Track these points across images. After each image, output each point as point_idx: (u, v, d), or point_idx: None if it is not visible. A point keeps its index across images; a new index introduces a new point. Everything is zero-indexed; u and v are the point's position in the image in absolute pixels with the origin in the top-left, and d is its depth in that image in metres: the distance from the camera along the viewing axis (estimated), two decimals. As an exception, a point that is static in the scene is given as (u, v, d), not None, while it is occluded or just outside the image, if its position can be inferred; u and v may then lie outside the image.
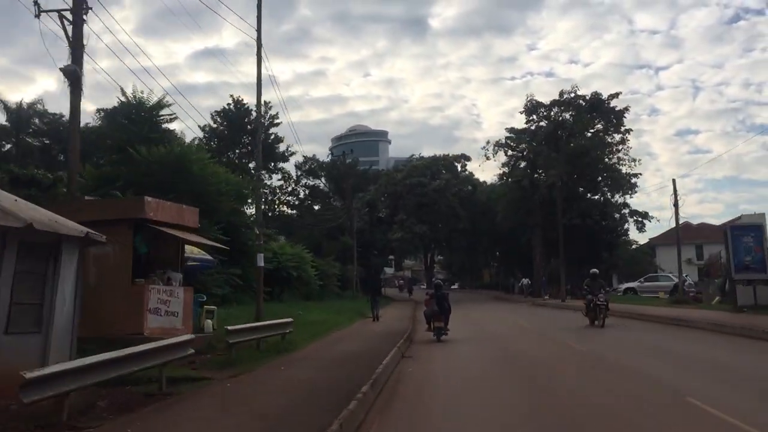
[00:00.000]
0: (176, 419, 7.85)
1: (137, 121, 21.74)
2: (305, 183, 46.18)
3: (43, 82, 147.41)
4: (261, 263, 18.66)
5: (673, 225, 72.27)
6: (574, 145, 51.40)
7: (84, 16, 13.41)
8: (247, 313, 20.14)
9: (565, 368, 12.48)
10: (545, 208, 52.52)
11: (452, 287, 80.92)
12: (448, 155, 61.55)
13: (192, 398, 9.23)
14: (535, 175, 53.76)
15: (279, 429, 7.21)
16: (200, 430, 7.36)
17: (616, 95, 54.47)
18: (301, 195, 46.19)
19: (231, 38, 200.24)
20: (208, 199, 20.39)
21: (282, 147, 45.66)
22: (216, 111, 42.15)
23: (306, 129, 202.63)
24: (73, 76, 13.42)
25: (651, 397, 9.15)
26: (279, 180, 45.51)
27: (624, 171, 53.31)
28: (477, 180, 60.67)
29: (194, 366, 11.69)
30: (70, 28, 13.34)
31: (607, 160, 52.15)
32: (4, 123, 37.86)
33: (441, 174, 59.38)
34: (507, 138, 55.33)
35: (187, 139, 27.93)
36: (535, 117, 55.61)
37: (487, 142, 55.06)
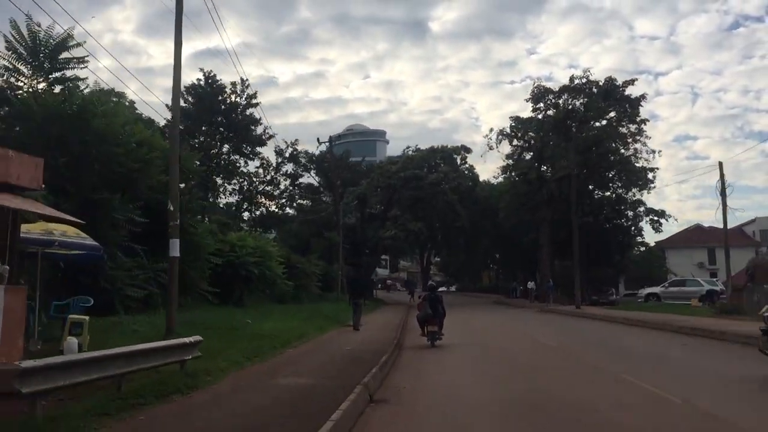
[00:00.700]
0: None
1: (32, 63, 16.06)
2: (286, 171, 40.67)
3: None
4: (175, 253, 13.04)
5: (685, 227, 66.15)
6: (585, 134, 45.79)
7: None
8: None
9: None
10: (554, 204, 46.94)
11: (439, 289, 75.04)
12: (446, 146, 55.88)
13: None
14: (543, 168, 48.16)
15: None
16: None
17: (631, 81, 49.01)
18: (282, 186, 40.58)
19: (231, 39, 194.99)
20: (117, 166, 14.77)
21: (270, 134, 40.12)
22: (186, 87, 36.75)
23: (306, 131, 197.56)
24: None
25: None
26: (257, 167, 40.06)
27: (639, 165, 47.79)
28: (477, 174, 55.13)
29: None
30: None
31: (623, 151, 46.45)
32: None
33: (439, 167, 53.74)
34: (512, 127, 49.67)
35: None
36: (542, 105, 50.07)
37: (490, 130, 49.53)
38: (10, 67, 15.77)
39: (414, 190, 52.94)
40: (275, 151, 40.46)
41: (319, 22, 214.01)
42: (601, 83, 48.04)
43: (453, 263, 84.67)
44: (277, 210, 40.14)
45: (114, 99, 18.28)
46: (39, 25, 15.58)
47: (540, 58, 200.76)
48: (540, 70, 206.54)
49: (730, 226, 34.73)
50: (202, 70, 36.42)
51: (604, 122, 47.72)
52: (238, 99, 38.15)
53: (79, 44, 16.34)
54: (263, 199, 39.46)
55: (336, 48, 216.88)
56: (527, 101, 50.48)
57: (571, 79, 48.46)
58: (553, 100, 49.71)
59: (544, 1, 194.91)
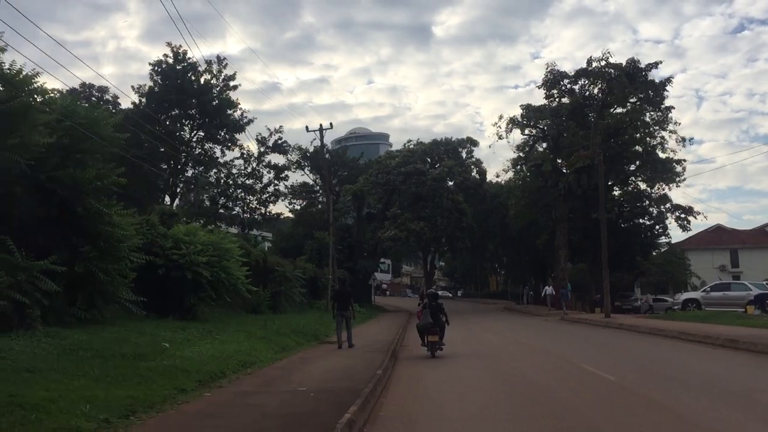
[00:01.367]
0: None
1: None
2: (269, 162, 35.32)
3: None
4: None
5: (704, 228, 60.31)
6: (610, 119, 40.34)
7: None
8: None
9: None
10: (571, 200, 41.49)
11: (442, 295, 69.46)
12: (450, 138, 50.57)
13: None
14: (558, 161, 42.71)
15: None
16: None
17: (655, 64, 43.57)
18: (266, 179, 35.20)
19: (235, 45, 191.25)
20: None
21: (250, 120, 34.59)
22: (151, 64, 31.47)
23: (309, 136, 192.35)
24: None
25: None
26: (238, 158, 34.72)
27: (664, 156, 42.32)
28: (485, 169, 49.59)
29: None
30: None
31: (649, 139, 40.94)
32: None
33: (442, 161, 48.32)
34: (523, 116, 44.19)
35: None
36: (556, 92, 44.70)
37: (500, 117, 44.06)
38: None
39: (415, 187, 47.58)
40: (257, 140, 35.32)
41: (323, 28, 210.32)
42: (623, 65, 42.63)
43: (459, 267, 79.25)
44: (260, 207, 34.71)
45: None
46: None
47: (544, 62, 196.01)
48: (543, 75, 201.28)
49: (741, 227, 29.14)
50: (169, 44, 31.15)
51: (626, 108, 42.22)
52: (213, 80, 32.86)
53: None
54: (243, 194, 34.06)
55: (340, 53, 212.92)
56: (539, 88, 45.18)
57: (589, 61, 43.06)
58: (568, 86, 44.37)
59: (548, 5, 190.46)
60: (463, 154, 49.54)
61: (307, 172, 58.38)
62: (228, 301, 19.42)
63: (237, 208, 34.21)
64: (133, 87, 31.65)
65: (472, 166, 49.00)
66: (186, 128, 31.99)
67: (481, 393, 10.20)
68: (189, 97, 31.41)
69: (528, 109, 44.64)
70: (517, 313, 42.71)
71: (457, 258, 75.57)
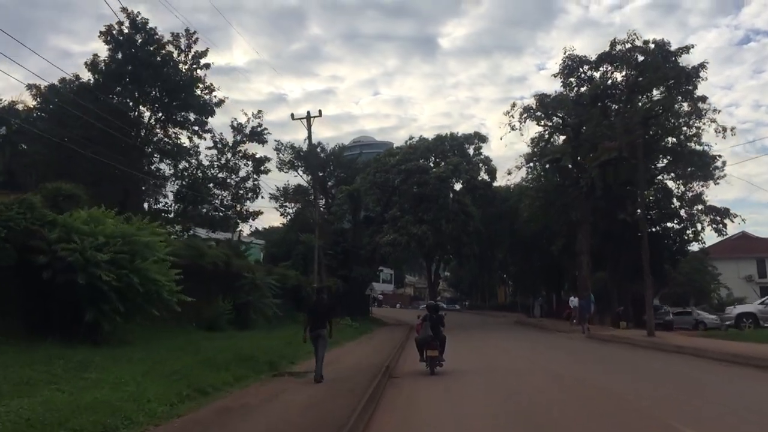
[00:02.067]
0: None
1: None
2: (245, 151, 29.79)
3: None
4: None
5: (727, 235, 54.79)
6: (639, 105, 34.90)
7: None
8: None
9: None
10: (594, 200, 35.99)
11: (445, 308, 63.36)
12: (456, 134, 45.18)
13: None
14: (578, 158, 37.21)
15: None
16: None
17: (686, 49, 38.07)
18: (244, 172, 29.69)
19: (241, 56, 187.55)
20: None
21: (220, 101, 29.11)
22: (103, 32, 26.13)
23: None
24: None
25: None
26: (211, 148, 29.26)
27: (700, 149, 36.84)
28: (495, 167, 44.07)
29: None
30: None
31: (685, 128, 35.45)
32: None
33: (447, 158, 42.92)
34: (538, 106, 38.74)
35: None
36: (574, 80, 39.32)
37: (513, 105, 38.58)
38: None
39: (417, 186, 42.26)
40: (231, 127, 30.00)
41: (330, 40, 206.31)
42: (651, 48, 37.25)
43: (465, 277, 73.58)
44: (235, 204, 29.23)
45: None
46: None
47: (550, 73, 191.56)
48: (551, 85, 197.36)
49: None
50: (125, 9, 25.83)
51: (658, 93, 36.78)
52: (181, 56, 27.60)
53: None
54: (215, 189, 28.63)
55: (346, 65, 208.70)
56: (555, 76, 39.72)
57: (612, 43, 37.65)
58: (588, 73, 39.00)
59: (554, 16, 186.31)
60: (471, 151, 44.16)
61: (301, 173, 53.36)
62: (157, 315, 13.98)
63: (207, 206, 28.73)
64: (86, 63, 26.17)
65: (481, 164, 43.59)
66: (146, 111, 26.60)
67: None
68: (147, 69, 26.05)
69: (543, 98, 39.22)
70: (532, 328, 37.11)
71: (463, 266, 69.89)
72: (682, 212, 40.63)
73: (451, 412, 9.57)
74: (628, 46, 37.46)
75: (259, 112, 30.26)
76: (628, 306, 38.16)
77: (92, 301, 11.99)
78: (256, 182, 30.36)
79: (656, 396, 10.55)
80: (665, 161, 38.36)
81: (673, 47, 37.46)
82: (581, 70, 38.98)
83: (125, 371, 9.71)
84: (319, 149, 50.59)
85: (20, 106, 27.52)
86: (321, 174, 53.02)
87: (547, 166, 38.98)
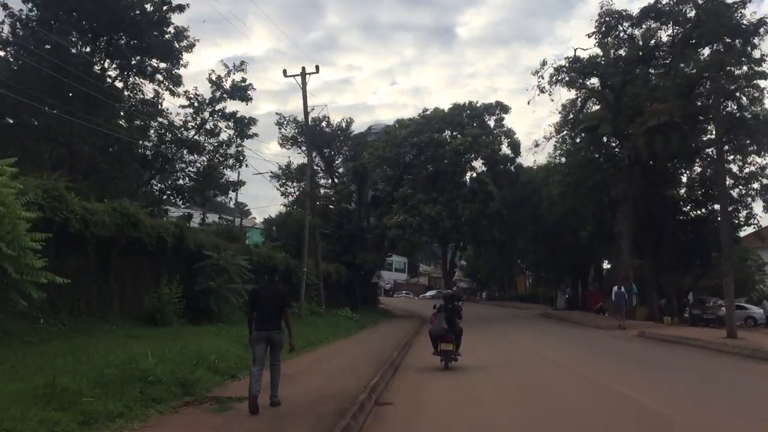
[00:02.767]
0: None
1: None
2: (223, 109, 24.65)
3: None
4: None
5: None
6: (693, 62, 29.33)
7: None
8: None
9: None
10: (636, 174, 30.56)
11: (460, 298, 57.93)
12: (475, 103, 39.68)
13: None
14: (619, 126, 31.60)
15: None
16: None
17: (742, 3, 32.20)
18: (225, 135, 24.64)
19: (261, 45, 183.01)
20: None
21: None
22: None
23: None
24: None
25: None
26: (184, 107, 24.16)
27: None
28: (518, 141, 38.53)
29: None
30: None
31: (750, 89, 29.77)
32: None
33: (465, 129, 37.53)
34: (569, 67, 33.12)
35: None
36: (611, 40, 33.71)
37: (543, 64, 32.94)
38: None
39: (431, 161, 37.03)
40: (209, 81, 24.81)
41: (347, 29, 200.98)
42: (700, 1, 31.51)
43: (483, 267, 68.04)
44: (211, 171, 24.11)
45: None
46: None
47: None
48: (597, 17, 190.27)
49: None
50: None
51: (707, 54, 31.11)
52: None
53: None
54: (187, 154, 23.57)
55: (363, 54, 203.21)
56: (590, 36, 34.04)
57: (658, -4, 31.96)
58: (628, 31, 33.39)
59: (573, 6, 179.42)
60: (491, 123, 38.71)
61: (305, 151, 48.31)
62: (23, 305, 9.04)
63: (177, 175, 23.69)
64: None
65: (503, 137, 38.13)
66: (83, 45, 21.43)
67: None
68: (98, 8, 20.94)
69: (575, 62, 33.63)
70: (561, 323, 31.81)
71: (481, 255, 64.60)
72: (734, 192, 35.14)
73: None
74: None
75: (242, 63, 25.00)
76: (672, 298, 32.78)
77: None
78: (240, 148, 25.29)
79: None
80: (713, 133, 32.64)
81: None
82: (620, 27, 33.38)
83: None
84: (324, 123, 45.64)
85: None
86: (327, 151, 48.09)
87: (581, 137, 33.45)
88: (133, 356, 8.54)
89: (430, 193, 36.65)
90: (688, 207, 37.63)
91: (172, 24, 22.14)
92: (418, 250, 58.23)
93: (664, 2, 32.17)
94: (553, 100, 34.26)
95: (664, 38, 33.16)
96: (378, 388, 9.75)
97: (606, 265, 55.71)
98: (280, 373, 8.15)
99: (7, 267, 7.99)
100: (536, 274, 61.53)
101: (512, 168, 38.38)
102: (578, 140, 34.62)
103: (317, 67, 27.35)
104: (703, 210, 37.03)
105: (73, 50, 20.57)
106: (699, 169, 34.82)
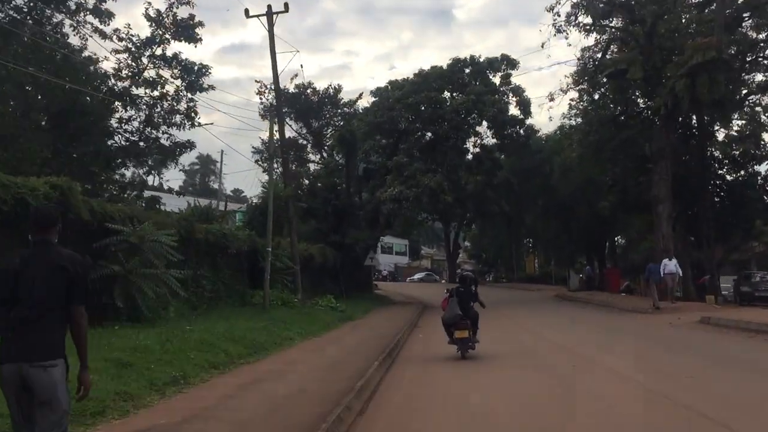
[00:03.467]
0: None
1: None
2: (164, 51, 19.61)
3: None
4: None
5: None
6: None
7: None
8: None
9: None
10: (673, 128, 25.30)
11: (475, 280, 52.17)
12: (477, 58, 34.13)
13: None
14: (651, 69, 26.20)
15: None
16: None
17: None
18: (169, 87, 19.51)
19: (256, 33, 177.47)
20: None
21: None
22: None
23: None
24: None
25: None
26: (119, 52, 19.01)
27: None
28: (528, 99, 33.06)
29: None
30: None
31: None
32: None
33: (466, 87, 32.21)
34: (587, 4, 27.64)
35: None
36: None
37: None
38: None
39: (429, 125, 31.86)
40: (146, 17, 19.53)
41: (344, 14, 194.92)
42: None
43: (489, 246, 62.77)
44: (150, 131, 18.92)
45: None
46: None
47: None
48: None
49: None
50: None
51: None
52: None
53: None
54: (121, 108, 18.41)
55: (361, 39, 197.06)
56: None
57: None
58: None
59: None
60: (497, 80, 33.35)
61: (290, 123, 43.09)
62: None
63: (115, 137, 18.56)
64: None
65: (510, 95, 32.74)
66: None
67: None
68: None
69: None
70: (586, 307, 26.72)
71: (486, 233, 59.45)
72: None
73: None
74: None
75: (189, -6, 19.68)
76: (716, 274, 27.62)
77: None
78: (191, 103, 20.14)
79: None
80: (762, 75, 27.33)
81: None
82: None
83: None
84: (309, 90, 40.32)
85: None
86: (314, 123, 42.80)
87: (604, 88, 28.03)
88: None
89: (428, 161, 31.52)
90: (724, 169, 32.44)
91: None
92: (418, 227, 52.89)
93: None
94: (570, 44, 28.60)
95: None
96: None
97: (620, 241, 50.70)
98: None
99: None
100: (547, 252, 56.35)
101: (521, 131, 32.95)
102: (597, 96, 29.14)
103: (286, 5, 22.13)
104: (742, 172, 31.81)
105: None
106: (741, 122, 29.43)
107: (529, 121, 32.86)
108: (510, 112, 32.44)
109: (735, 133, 30.69)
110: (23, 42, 16.87)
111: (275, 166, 24.99)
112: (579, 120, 32.83)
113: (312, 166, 44.10)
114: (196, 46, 19.78)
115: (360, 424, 6.44)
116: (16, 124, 15.96)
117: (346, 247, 31.70)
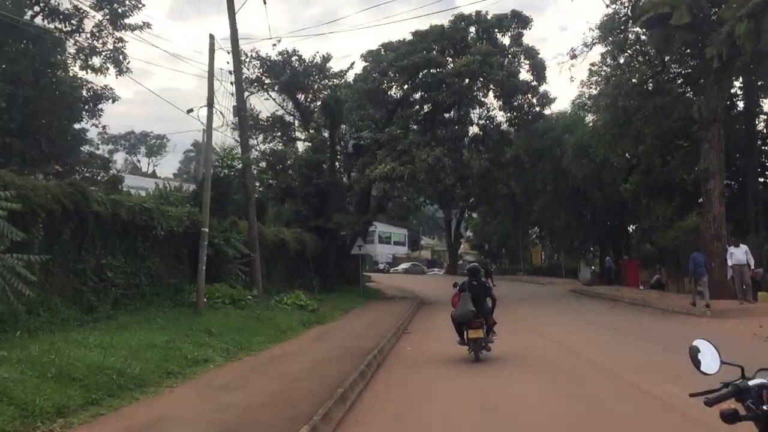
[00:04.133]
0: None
1: None
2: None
3: None
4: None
5: None
6: None
7: None
8: None
9: None
10: (728, 84, 20.47)
11: (486, 272, 46.03)
12: (483, 14, 28.99)
13: None
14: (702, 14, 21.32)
15: None
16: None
17: None
18: (107, 42, 14.97)
19: (258, 23, 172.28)
20: None
21: None
22: None
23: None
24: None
25: None
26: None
27: None
28: (543, 61, 27.99)
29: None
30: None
31: None
32: None
33: (470, 48, 27.33)
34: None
35: None
36: None
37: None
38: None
39: (427, 91, 27.08)
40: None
41: (346, 2, 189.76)
42: None
43: (493, 236, 57.77)
44: (83, 34, 14.27)
45: None
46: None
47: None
48: (572, 45, 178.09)
49: None
50: None
51: None
52: None
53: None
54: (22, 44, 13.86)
55: (364, 28, 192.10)
56: None
57: None
58: None
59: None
60: (506, 40, 28.44)
61: (274, 96, 38.27)
62: None
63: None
64: None
65: (522, 56, 27.86)
66: None
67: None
68: None
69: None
70: (617, 305, 21.95)
71: (490, 221, 54.57)
72: None
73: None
74: None
75: None
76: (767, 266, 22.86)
77: None
78: (119, 45, 15.37)
79: None
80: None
81: None
82: None
83: None
84: (294, 58, 35.47)
85: None
86: (301, 98, 37.98)
87: (636, 46, 23.12)
88: None
89: (426, 135, 26.75)
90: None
91: None
92: (414, 212, 47.95)
93: None
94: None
95: None
96: None
97: (633, 229, 45.89)
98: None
99: None
100: (556, 242, 51.53)
101: (534, 99, 28.05)
102: (623, 60, 24.20)
103: None
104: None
105: None
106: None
107: (542, 89, 27.95)
108: (521, 77, 27.56)
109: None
110: None
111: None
112: (600, 89, 27.98)
113: (300, 146, 39.36)
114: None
115: None
116: None
117: (331, 233, 27.05)
